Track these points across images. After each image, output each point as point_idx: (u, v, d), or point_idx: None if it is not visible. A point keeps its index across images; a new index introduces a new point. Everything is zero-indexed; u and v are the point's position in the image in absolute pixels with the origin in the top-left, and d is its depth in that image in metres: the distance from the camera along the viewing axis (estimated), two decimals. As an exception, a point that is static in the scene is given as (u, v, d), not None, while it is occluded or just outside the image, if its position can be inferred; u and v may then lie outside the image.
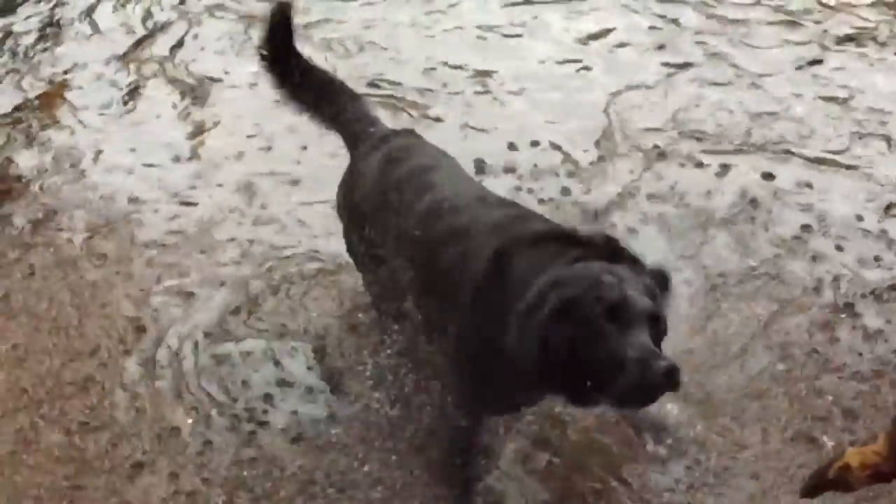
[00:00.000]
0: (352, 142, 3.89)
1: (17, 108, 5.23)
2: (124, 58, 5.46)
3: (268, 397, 3.96)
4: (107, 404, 3.98)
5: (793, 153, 4.85)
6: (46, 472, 3.76)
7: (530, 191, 4.65)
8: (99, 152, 4.97)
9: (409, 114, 5.04)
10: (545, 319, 2.95)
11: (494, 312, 3.12)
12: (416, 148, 3.76)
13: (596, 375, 2.93)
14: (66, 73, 5.39)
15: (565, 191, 4.67)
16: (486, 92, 5.19)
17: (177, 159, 4.92)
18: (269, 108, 4.71)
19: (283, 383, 4.00)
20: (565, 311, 2.95)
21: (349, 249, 3.91)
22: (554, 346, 2.95)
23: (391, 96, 5.13)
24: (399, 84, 5.22)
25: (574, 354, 2.94)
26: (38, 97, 5.27)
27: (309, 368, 4.05)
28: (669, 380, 2.86)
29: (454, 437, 3.55)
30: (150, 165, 4.91)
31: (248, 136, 5.01)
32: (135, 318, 4.24)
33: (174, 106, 5.22)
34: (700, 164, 4.80)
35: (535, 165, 4.78)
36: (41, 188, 4.81)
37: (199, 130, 5.06)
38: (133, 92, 5.28)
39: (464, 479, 3.59)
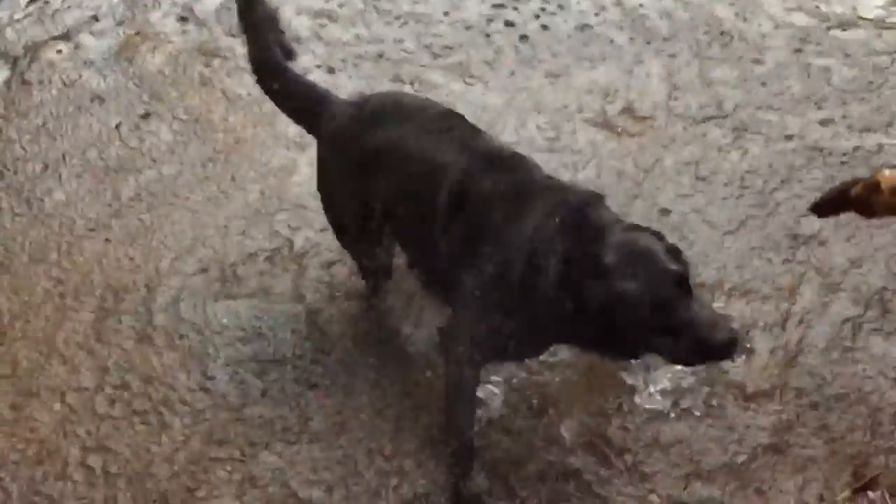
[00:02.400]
0: (313, 118, 3.84)
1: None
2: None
3: (260, 359, 3.95)
4: (100, 356, 3.98)
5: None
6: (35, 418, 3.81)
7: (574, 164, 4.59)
8: (101, 100, 4.92)
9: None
10: (624, 287, 3.03)
11: (547, 272, 3.18)
12: (399, 106, 3.73)
13: (664, 337, 3.07)
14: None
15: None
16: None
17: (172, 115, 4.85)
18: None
19: (273, 344, 3.99)
20: (642, 278, 3.03)
21: (333, 218, 3.90)
22: (628, 309, 3.03)
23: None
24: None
25: (636, 319, 3.03)
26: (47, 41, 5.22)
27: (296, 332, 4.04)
28: (736, 342, 3.05)
29: (461, 386, 3.54)
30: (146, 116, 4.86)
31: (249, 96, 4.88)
32: (130, 270, 4.22)
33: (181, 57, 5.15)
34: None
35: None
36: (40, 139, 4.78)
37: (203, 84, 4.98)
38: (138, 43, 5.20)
39: (467, 430, 3.57)
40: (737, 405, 3.73)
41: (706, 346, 3.05)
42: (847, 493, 2.96)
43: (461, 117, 3.71)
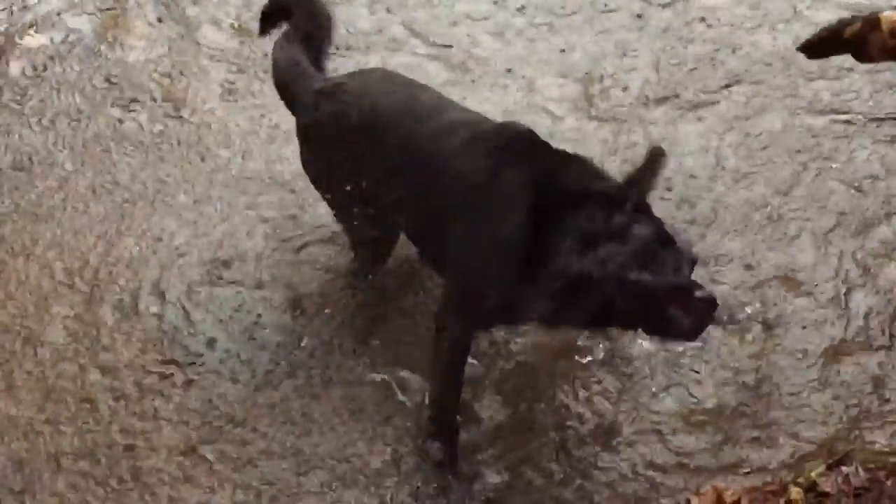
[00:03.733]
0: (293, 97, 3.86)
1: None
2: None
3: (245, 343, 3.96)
4: (86, 341, 3.99)
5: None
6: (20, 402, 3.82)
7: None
8: (83, 86, 4.88)
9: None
10: (616, 267, 3.00)
11: (537, 245, 3.16)
12: (394, 77, 3.81)
13: (653, 317, 3.05)
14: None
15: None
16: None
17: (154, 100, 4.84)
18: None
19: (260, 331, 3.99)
20: (633, 259, 2.99)
21: (323, 183, 3.88)
22: (619, 289, 3.00)
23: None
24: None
25: (630, 298, 3.00)
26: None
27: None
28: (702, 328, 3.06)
29: (452, 362, 3.55)
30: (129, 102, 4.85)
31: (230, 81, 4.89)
32: (118, 256, 4.22)
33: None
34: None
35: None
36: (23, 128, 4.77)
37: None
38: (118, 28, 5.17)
39: (453, 403, 3.59)
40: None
41: (700, 321, 3.04)
42: (822, 468, 2.91)
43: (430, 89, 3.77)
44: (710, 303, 3.02)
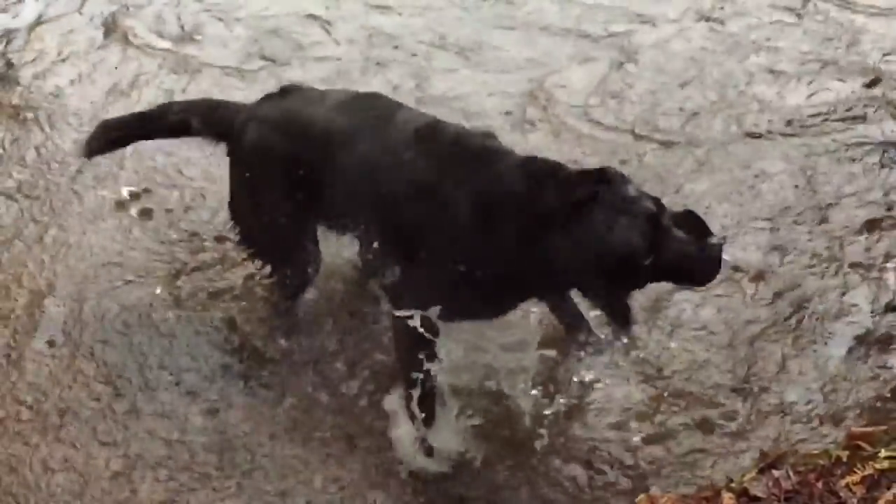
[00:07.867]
0: (226, 128, 3.83)
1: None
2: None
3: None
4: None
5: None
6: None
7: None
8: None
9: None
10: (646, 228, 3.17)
11: (540, 235, 3.25)
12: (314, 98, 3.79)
13: (674, 273, 3.29)
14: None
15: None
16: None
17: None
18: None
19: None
20: (646, 228, 3.17)
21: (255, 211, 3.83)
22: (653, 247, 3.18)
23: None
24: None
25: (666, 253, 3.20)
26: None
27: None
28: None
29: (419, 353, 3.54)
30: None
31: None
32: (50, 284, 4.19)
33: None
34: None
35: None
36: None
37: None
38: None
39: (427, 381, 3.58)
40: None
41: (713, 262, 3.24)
42: (753, 472, 2.92)
43: (379, 95, 3.78)
44: (721, 247, 3.23)
